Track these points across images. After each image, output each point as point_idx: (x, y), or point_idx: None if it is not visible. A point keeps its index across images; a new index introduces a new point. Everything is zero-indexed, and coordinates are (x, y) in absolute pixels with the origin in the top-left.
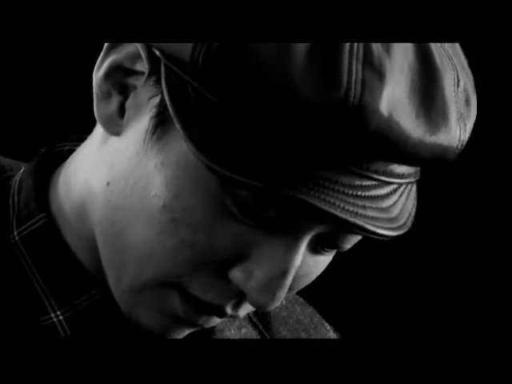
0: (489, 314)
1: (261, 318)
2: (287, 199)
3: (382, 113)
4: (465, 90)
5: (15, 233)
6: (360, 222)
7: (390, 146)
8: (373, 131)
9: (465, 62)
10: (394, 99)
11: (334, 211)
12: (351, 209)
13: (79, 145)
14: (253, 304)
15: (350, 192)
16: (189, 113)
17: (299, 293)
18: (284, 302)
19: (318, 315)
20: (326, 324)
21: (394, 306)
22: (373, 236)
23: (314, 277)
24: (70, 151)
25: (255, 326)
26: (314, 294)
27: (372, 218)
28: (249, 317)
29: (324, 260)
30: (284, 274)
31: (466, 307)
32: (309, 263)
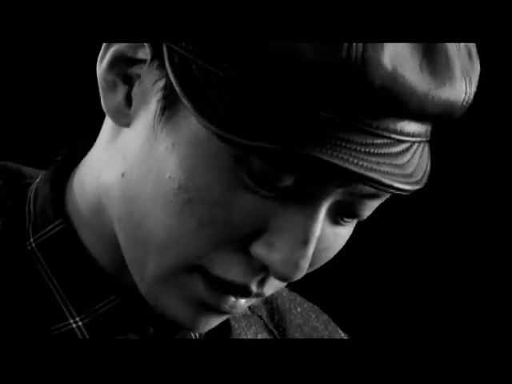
0: (491, 310)
1: (277, 324)
2: (302, 160)
3: (385, 66)
4: (466, 45)
5: (31, 239)
6: (376, 176)
7: (397, 100)
8: (378, 85)
9: None
10: (397, 54)
11: (349, 166)
12: (365, 164)
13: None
14: (277, 276)
15: (363, 149)
16: (195, 88)
17: (306, 289)
18: (299, 309)
19: (332, 323)
20: (341, 332)
21: (400, 308)
22: (390, 190)
23: (334, 252)
24: (86, 153)
25: (271, 332)
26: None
27: (387, 172)
28: (264, 324)
29: (343, 233)
30: (305, 242)
31: (465, 309)
32: (328, 236)
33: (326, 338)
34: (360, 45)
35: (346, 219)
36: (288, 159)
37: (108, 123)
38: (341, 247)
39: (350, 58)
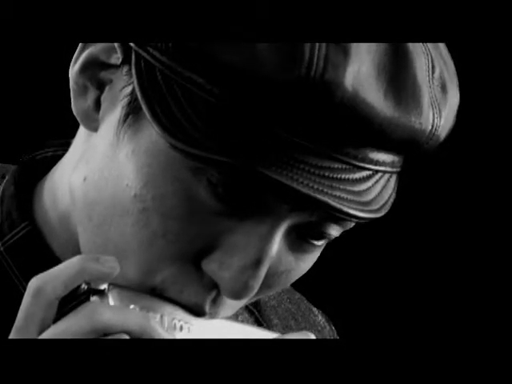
0: (488, 308)
1: (254, 305)
2: (252, 176)
3: (346, 88)
4: (441, 77)
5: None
6: (324, 199)
7: (356, 123)
8: (337, 106)
9: (444, 53)
10: (360, 76)
11: (296, 186)
12: (316, 186)
13: (62, 150)
14: (225, 294)
15: (317, 172)
16: (156, 96)
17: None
18: None
19: (305, 301)
20: (314, 309)
21: (400, 308)
22: (340, 215)
23: (296, 275)
24: (54, 157)
25: (251, 313)
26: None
27: (339, 197)
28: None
29: (307, 258)
30: (258, 262)
31: (463, 310)
32: (289, 258)
33: (299, 318)
34: (321, 61)
35: (308, 244)
36: (240, 174)
37: (82, 128)
38: (305, 271)
39: (309, 76)
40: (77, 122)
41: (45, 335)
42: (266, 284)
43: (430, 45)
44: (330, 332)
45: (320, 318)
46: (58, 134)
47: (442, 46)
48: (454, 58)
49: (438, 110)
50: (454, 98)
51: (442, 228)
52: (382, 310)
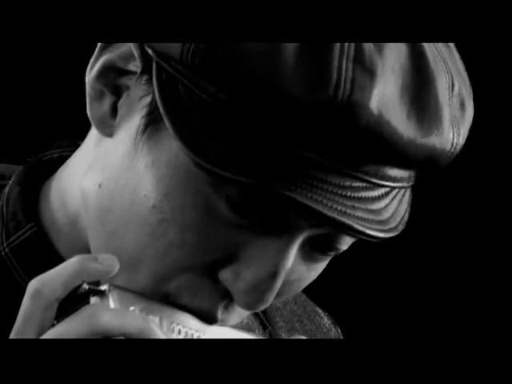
0: (492, 310)
1: None
2: (275, 197)
3: (372, 110)
4: (459, 94)
5: (5, 245)
6: (348, 221)
7: (380, 145)
8: (362, 128)
9: (461, 66)
10: (385, 98)
11: (321, 209)
12: (339, 208)
13: (68, 151)
14: (240, 305)
15: (340, 192)
16: (178, 110)
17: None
18: None
19: (310, 303)
20: (320, 311)
21: (399, 308)
22: (361, 236)
23: (306, 283)
24: (61, 158)
25: (256, 315)
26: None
27: (361, 218)
28: None
29: (317, 267)
30: (274, 275)
31: (469, 315)
32: (301, 268)
33: (305, 320)
34: (348, 83)
35: (320, 254)
36: (261, 194)
37: (93, 131)
38: (314, 278)
39: (337, 98)
40: (83, 123)
41: (43, 338)
42: (277, 293)
43: (449, 61)
44: (335, 334)
45: (326, 320)
46: (63, 135)
47: (457, 57)
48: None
49: (458, 129)
50: (470, 113)
51: (446, 231)
52: (388, 313)
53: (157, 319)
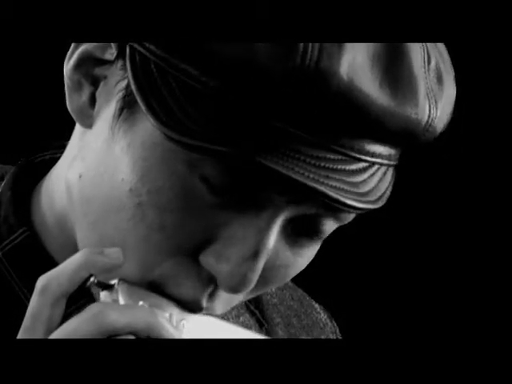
0: (488, 304)
1: (256, 305)
2: (248, 165)
3: (341, 76)
4: (437, 69)
5: None
6: (321, 188)
7: (353, 114)
8: (333, 95)
9: (439, 45)
10: (355, 66)
11: (293, 175)
12: (312, 176)
13: (60, 152)
14: (223, 287)
15: (313, 162)
16: (152, 89)
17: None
18: (273, 289)
19: (307, 298)
20: (317, 306)
21: (398, 308)
22: (336, 205)
23: (295, 270)
24: (53, 159)
25: (252, 314)
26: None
27: (335, 187)
28: (246, 305)
29: (303, 253)
30: (255, 254)
31: (465, 309)
32: (286, 254)
33: (302, 315)
34: (316, 51)
35: (305, 239)
36: (235, 165)
37: (77, 127)
38: (303, 267)
39: (304, 64)
40: (75, 123)
41: (51, 337)
42: (264, 278)
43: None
44: (332, 329)
45: (322, 314)
46: (58, 136)
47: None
48: (454, 56)
49: (434, 101)
50: (450, 89)
51: (443, 225)
52: (385, 307)
53: (167, 314)
